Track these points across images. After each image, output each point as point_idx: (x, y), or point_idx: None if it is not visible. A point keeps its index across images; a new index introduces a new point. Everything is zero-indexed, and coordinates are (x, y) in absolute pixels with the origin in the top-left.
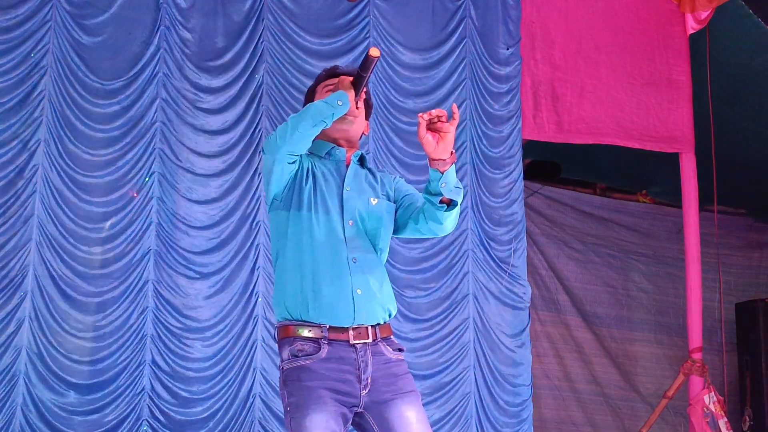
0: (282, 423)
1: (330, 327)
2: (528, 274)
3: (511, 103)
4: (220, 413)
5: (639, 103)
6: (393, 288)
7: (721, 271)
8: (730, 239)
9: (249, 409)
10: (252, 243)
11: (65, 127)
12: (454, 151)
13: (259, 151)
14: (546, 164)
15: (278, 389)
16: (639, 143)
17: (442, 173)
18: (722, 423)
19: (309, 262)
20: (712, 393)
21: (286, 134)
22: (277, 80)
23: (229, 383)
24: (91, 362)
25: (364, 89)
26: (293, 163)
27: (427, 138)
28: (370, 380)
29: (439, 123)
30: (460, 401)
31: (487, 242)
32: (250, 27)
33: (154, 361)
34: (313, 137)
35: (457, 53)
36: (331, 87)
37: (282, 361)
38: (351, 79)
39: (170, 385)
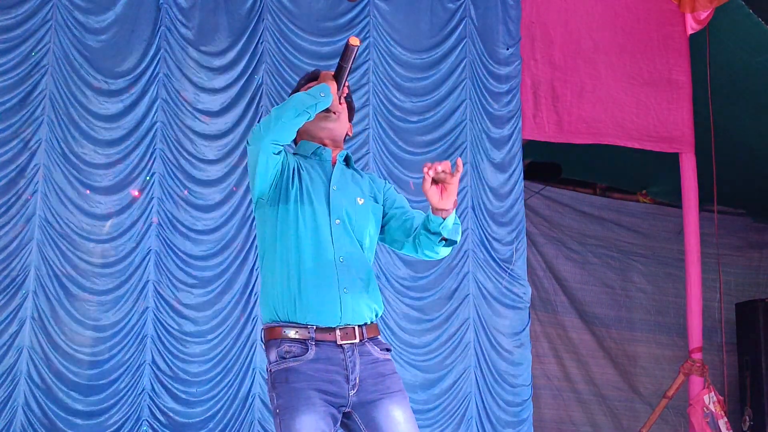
0: None
1: (317, 328)
2: (527, 275)
3: (511, 103)
4: (220, 413)
5: (639, 103)
6: (393, 288)
7: (721, 271)
8: (730, 239)
9: (249, 409)
10: (252, 244)
11: (67, 126)
12: (456, 199)
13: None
14: (546, 165)
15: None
16: (639, 143)
17: (444, 219)
18: (722, 423)
19: (295, 261)
20: (712, 393)
21: (270, 124)
22: (276, 81)
23: (229, 383)
24: (92, 362)
25: (346, 83)
26: (278, 154)
27: (433, 190)
28: (358, 380)
29: (442, 175)
30: (461, 401)
31: (488, 242)
32: (251, 27)
33: (154, 362)
34: (297, 128)
35: (456, 53)
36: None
37: (269, 363)
38: (332, 73)
39: (170, 385)
